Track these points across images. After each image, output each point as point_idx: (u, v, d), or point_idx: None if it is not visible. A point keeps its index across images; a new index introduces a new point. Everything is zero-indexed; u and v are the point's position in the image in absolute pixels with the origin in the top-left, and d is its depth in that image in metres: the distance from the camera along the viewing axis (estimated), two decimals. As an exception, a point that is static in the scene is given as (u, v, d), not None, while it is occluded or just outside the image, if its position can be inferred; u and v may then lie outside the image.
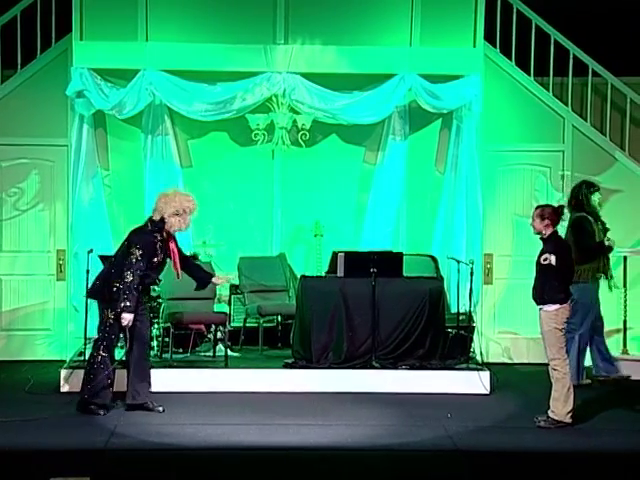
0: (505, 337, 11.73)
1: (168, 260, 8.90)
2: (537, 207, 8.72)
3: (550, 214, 8.55)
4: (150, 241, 8.70)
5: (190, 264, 9.26)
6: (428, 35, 11.41)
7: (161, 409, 8.73)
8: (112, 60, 11.19)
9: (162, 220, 8.74)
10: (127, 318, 8.58)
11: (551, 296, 8.39)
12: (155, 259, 8.72)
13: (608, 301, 11.39)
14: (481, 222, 11.53)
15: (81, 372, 9.51)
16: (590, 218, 10.23)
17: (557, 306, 8.40)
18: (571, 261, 8.62)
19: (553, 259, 8.41)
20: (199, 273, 9.26)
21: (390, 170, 11.76)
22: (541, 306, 8.48)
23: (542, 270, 8.48)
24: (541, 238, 8.59)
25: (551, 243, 8.52)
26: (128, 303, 8.55)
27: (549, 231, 8.54)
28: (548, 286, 8.44)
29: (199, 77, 11.27)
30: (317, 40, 11.34)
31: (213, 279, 9.32)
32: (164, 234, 8.77)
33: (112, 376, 8.80)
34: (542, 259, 8.46)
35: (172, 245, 8.85)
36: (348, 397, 9.44)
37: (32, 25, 11.42)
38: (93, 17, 11.16)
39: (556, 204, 9.05)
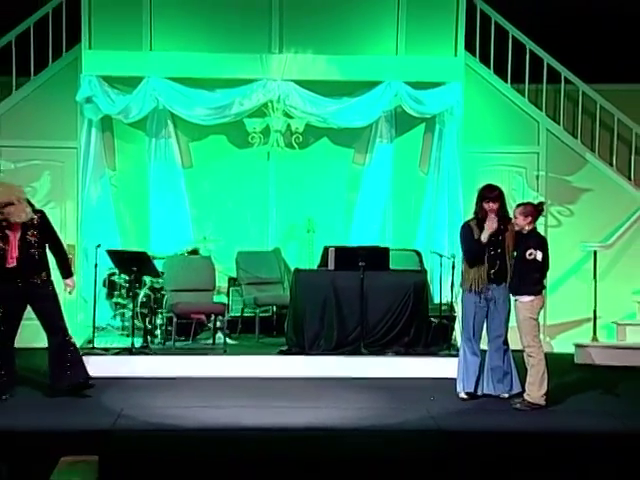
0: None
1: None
2: (518, 205, 8.66)
3: (531, 211, 8.52)
4: None
5: (54, 254, 8.74)
6: (413, 45, 11.43)
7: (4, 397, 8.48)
8: (119, 68, 11.21)
9: None
10: None
11: (528, 288, 8.36)
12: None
13: (579, 292, 11.49)
14: (462, 219, 11.51)
15: (90, 358, 9.53)
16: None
17: (532, 297, 8.37)
18: (548, 256, 8.54)
19: (539, 255, 8.35)
20: (61, 267, 8.79)
21: (377, 171, 11.78)
22: (517, 297, 8.46)
23: (525, 263, 8.41)
24: (522, 233, 8.51)
25: (534, 239, 8.48)
26: None
27: (531, 227, 8.52)
28: (528, 278, 8.39)
29: (200, 84, 11.29)
30: (309, 49, 11.36)
31: (66, 280, 8.82)
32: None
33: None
34: (527, 254, 8.36)
35: (11, 234, 8.40)
36: (338, 382, 9.44)
37: (44, 36, 11.41)
38: (101, 28, 11.18)
39: (534, 202, 9.02)
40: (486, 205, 8.60)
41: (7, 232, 8.43)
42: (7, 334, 8.53)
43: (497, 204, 8.57)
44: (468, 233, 8.68)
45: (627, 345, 10.96)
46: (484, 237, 8.52)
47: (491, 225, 8.51)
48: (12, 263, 8.45)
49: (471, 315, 8.66)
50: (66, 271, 8.79)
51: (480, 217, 8.65)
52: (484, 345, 8.86)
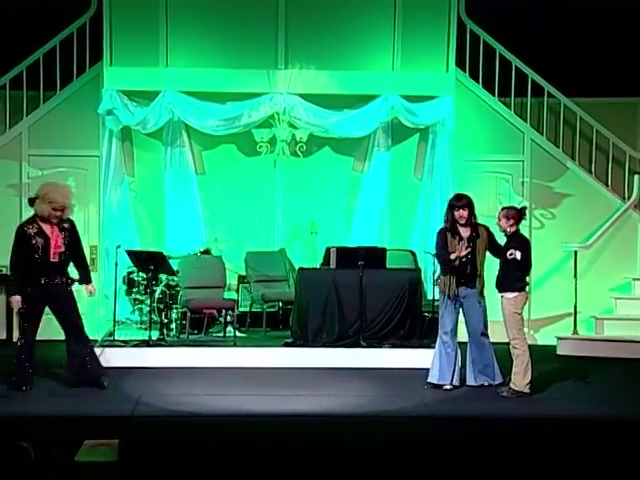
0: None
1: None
2: (502, 208, 8.67)
3: (514, 214, 8.52)
4: (21, 227, 8.42)
5: (79, 261, 8.71)
6: (408, 61, 11.43)
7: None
8: (137, 83, 11.23)
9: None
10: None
11: (511, 285, 8.36)
12: (34, 242, 8.29)
13: (560, 289, 11.49)
14: (453, 222, 11.53)
15: (111, 350, 9.55)
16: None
17: (516, 294, 8.38)
18: (530, 255, 8.55)
19: (518, 255, 8.35)
20: (80, 273, 8.77)
21: (375, 177, 11.78)
22: (502, 294, 8.46)
23: (506, 263, 8.43)
24: (505, 235, 8.55)
25: (515, 240, 8.47)
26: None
27: (513, 229, 8.52)
28: (510, 277, 8.40)
29: (211, 97, 11.29)
30: (312, 65, 11.37)
31: (87, 286, 8.79)
32: (37, 219, 8.35)
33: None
34: (508, 254, 8.37)
35: (50, 229, 8.35)
36: (339, 371, 9.45)
37: (69, 53, 11.44)
38: (121, 46, 11.19)
39: (518, 206, 9.04)
40: (456, 213, 8.55)
41: (46, 231, 8.40)
42: (31, 330, 8.51)
43: (466, 211, 8.54)
44: (441, 239, 8.63)
45: (605, 338, 10.95)
46: (453, 257, 8.47)
47: (459, 252, 8.45)
48: (54, 258, 8.41)
49: (444, 314, 8.62)
50: (89, 278, 8.81)
51: (449, 225, 8.60)
52: (465, 339, 8.82)
